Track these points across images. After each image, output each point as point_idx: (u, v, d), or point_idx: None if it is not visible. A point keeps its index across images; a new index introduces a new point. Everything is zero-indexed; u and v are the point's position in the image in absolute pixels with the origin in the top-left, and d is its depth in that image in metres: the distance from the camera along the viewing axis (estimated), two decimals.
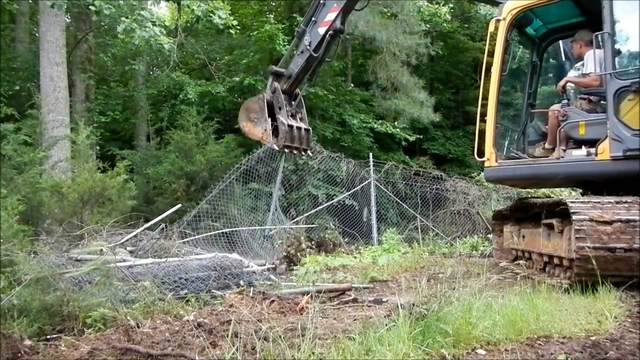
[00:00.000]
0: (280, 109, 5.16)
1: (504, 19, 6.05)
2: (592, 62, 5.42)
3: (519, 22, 6.32)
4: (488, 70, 6.30)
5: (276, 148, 5.34)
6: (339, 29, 5.05)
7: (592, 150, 5.17)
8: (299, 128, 5.19)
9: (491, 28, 6.15)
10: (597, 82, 5.34)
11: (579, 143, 5.45)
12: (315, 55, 5.11)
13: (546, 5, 5.92)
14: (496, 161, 6.04)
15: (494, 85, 6.14)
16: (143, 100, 15.35)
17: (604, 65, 5.16)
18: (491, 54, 6.20)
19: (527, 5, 6.00)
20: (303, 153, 5.44)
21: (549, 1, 5.84)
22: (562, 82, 5.83)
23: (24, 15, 14.86)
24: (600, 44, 5.14)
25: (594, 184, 5.71)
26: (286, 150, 5.13)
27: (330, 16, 5.02)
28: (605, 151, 5.01)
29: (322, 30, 5.08)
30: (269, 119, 5.17)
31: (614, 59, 5.04)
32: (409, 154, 17.55)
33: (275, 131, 5.25)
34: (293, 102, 5.33)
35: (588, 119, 5.39)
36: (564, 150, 5.55)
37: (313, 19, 5.20)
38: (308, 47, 5.15)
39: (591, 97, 5.47)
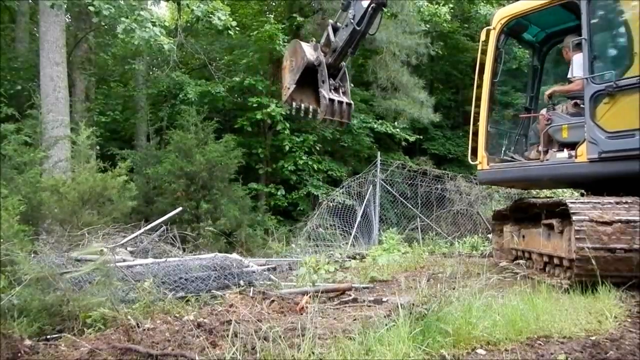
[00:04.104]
0: (323, 82, 5.17)
1: (494, 28, 6.25)
2: (575, 67, 5.53)
3: (512, 30, 6.50)
4: (481, 77, 6.45)
5: (287, 108, 5.49)
6: (382, 1, 5.04)
7: (573, 152, 5.30)
8: (340, 102, 5.23)
9: (483, 37, 6.32)
10: (580, 86, 5.42)
11: (563, 146, 5.60)
12: (358, 28, 5.09)
13: (535, 12, 6.01)
14: (488, 164, 6.23)
15: (486, 92, 6.33)
16: (143, 100, 15.36)
17: (583, 69, 5.26)
18: (483, 61, 6.35)
19: (515, 13, 6.17)
20: (341, 127, 5.51)
21: (536, 9, 5.93)
22: (548, 91, 6.03)
23: (24, 15, 14.86)
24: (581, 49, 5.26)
25: (577, 185, 5.89)
26: (324, 122, 5.21)
27: None
28: (583, 153, 5.13)
29: (365, 4, 5.06)
30: (295, 85, 5.24)
31: (592, 64, 5.15)
32: (409, 154, 17.56)
33: (317, 102, 5.32)
34: (338, 74, 5.35)
35: (570, 122, 5.53)
36: (548, 152, 5.72)
37: None
38: (352, 21, 5.13)
39: (577, 101, 5.55)
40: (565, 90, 5.90)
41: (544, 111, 5.97)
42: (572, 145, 5.37)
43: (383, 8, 5.16)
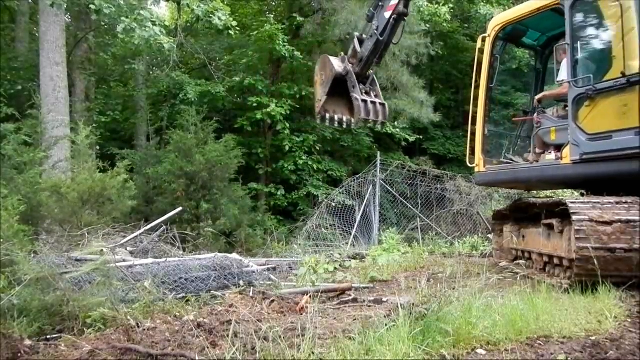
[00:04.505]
0: (354, 87, 5.44)
1: (489, 35, 6.48)
2: (563, 71, 5.65)
3: (510, 36, 6.73)
4: (480, 78, 6.65)
5: (318, 122, 5.82)
6: (402, 12, 5.28)
7: (559, 154, 5.44)
8: (373, 102, 5.46)
9: (479, 44, 6.54)
10: (567, 89, 5.51)
11: (552, 148, 5.77)
12: (382, 39, 5.36)
13: (528, 18, 6.14)
14: (484, 167, 6.45)
15: (482, 97, 6.52)
16: (143, 100, 15.36)
17: (568, 73, 5.39)
18: (481, 60, 6.59)
19: (508, 21, 6.39)
20: (379, 126, 5.74)
21: (526, 15, 6.09)
22: (539, 96, 6.23)
23: (24, 15, 14.86)
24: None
25: (564, 186, 6.15)
26: (362, 123, 5.52)
27: (395, 0, 5.26)
28: (567, 155, 5.26)
29: (387, 15, 5.31)
30: (326, 96, 5.54)
31: (575, 68, 5.28)
32: (409, 154, 17.55)
33: (350, 111, 5.59)
34: (367, 81, 5.65)
35: (557, 125, 5.68)
36: (540, 155, 5.92)
37: (380, 3, 5.45)
38: (376, 32, 5.39)
39: (566, 104, 5.67)
40: (555, 94, 6.03)
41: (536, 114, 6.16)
42: (559, 147, 5.50)
43: (404, 18, 5.38)
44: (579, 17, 5.40)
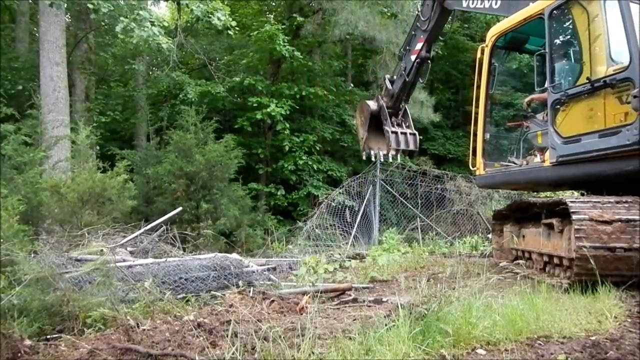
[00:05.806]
0: (385, 120, 6.25)
1: (487, 45, 6.70)
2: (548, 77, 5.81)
3: (509, 44, 6.90)
4: (480, 78, 6.82)
5: (364, 157, 6.85)
6: (425, 56, 5.96)
7: (543, 157, 5.65)
8: (403, 133, 6.25)
9: (478, 55, 6.75)
10: None
11: (539, 151, 5.99)
12: (408, 79, 6.07)
13: (519, 26, 6.24)
14: (484, 170, 6.72)
15: (482, 104, 6.72)
16: (143, 100, 15.36)
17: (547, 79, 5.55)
18: (482, 61, 6.78)
19: (503, 30, 6.56)
20: (410, 156, 6.42)
21: (518, 24, 6.20)
22: (527, 99, 6.44)
23: (24, 15, 14.85)
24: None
25: (549, 187, 6.48)
26: (395, 153, 6.35)
27: (418, 46, 5.86)
28: (548, 158, 5.46)
29: (413, 58, 5.96)
30: (367, 133, 6.51)
31: (552, 75, 5.47)
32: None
33: (383, 140, 6.52)
34: (399, 114, 6.52)
35: (542, 129, 5.87)
36: (528, 157, 6.17)
37: (408, 47, 6.12)
38: (403, 72, 6.12)
39: None
40: (541, 98, 6.12)
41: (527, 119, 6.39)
42: (545, 151, 5.66)
43: (428, 61, 6.04)
44: (556, 25, 5.60)
